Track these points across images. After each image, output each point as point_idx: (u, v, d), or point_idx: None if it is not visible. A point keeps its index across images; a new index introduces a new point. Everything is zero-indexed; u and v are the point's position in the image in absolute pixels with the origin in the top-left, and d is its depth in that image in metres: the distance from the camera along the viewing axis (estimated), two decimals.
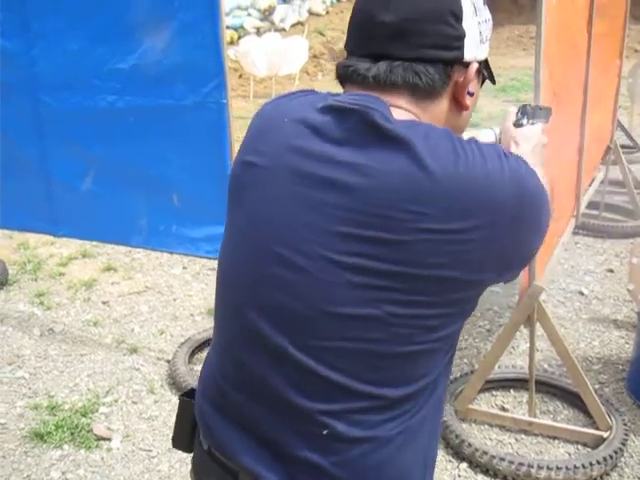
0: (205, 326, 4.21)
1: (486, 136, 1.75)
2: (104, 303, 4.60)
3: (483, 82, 1.34)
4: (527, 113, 1.64)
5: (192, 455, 1.43)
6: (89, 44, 3.38)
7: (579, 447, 3.15)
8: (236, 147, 3.13)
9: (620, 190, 6.20)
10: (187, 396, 1.45)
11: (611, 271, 4.99)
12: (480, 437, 3.21)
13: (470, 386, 3.24)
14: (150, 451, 3.18)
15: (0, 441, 3.24)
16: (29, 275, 5.01)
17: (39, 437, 3.23)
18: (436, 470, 1.40)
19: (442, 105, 1.24)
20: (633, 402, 3.46)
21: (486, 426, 3.28)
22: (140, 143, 3.39)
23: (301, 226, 1.16)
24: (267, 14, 14.81)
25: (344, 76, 1.25)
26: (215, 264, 4.38)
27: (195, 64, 3.14)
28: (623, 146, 7.27)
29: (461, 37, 1.20)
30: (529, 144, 1.59)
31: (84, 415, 3.40)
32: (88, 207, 3.72)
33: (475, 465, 3.01)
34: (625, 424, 3.18)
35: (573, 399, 3.38)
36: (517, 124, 1.63)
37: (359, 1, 1.26)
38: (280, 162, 1.21)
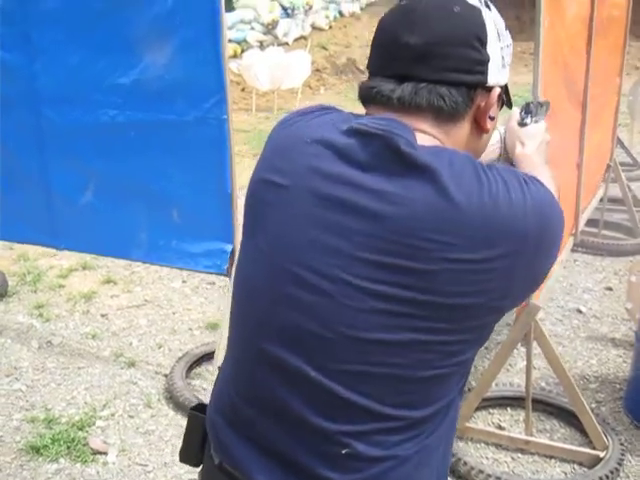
0: (203, 340, 4.22)
1: (493, 136, 1.76)
2: (103, 316, 4.60)
3: (502, 106, 1.35)
4: (531, 111, 1.65)
5: (200, 469, 1.44)
6: (90, 58, 3.39)
7: (575, 467, 3.15)
8: (236, 163, 3.15)
9: (620, 208, 6.21)
10: (197, 410, 1.46)
11: (610, 289, 5.00)
12: (476, 455, 3.21)
13: (467, 404, 3.24)
14: (146, 466, 3.18)
15: None
16: (29, 287, 5.02)
17: (35, 450, 3.23)
18: None
19: (464, 128, 1.25)
20: (630, 421, 3.46)
21: (482, 444, 3.29)
22: (140, 158, 3.39)
23: (323, 249, 1.17)
24: (270, 28, 14.87)
25: (367, 97, 1.26)
26: (214, 279, 4.37)
27: (196, 80, 3.15)
28: (623, 164, 7.29)
29: (485, 61, 1.22)
30: (534, 143, 1.61)
31: (80, 429, 3.40)
32: (88, 220, 3.72)
33: None
34: (622, 444, 3.18)
35: (570, 418, 3.39)
36: (521, 123, 1.65)
37: (383, 22, 1.27)
38: (302, 183, 1.21)
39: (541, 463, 3.18)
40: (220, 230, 3.24)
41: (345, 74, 14.85)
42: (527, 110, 1.66)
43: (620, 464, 3.06)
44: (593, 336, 4.33)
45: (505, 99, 1.34)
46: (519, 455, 3.22)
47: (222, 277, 3.39)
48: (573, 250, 5.28)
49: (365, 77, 1.30)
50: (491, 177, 1.14)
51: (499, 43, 1.24)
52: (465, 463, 3.02)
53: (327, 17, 16.95)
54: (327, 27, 16.82)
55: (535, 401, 3.39)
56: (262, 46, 14.47)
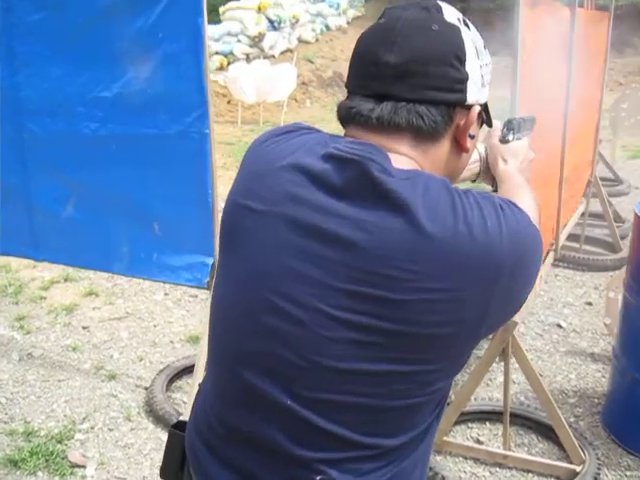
0: (185, 353, 4.22)
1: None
2: (84, 328, 4.60)
3: (482, 125, 1.34)
4: (513, 128, 1.61)
5: None
6: (73, 72, 3.40)
7: None
8: (218, 175, 3.17)
9: (601, 223, 6.27)
10: (176, 428, 1.45)
11: (590, 304, 5.04)
12: (455, 470, 3.22)
13: (445, 418, 3.25)
14: (125, 479, 3.17)
15: None
16: (10, 298, 5.00)
17: (13, 464, 3.22)
18: None
19: (443, 147, 1.24)
20: (607, 436, 3.49)
21: (461, 458, 3.30)
22: (122, 171, 3.40)
23: (298, 277, 1.15)
24: (257, 41, 14.94)
25: (346, 117, 1.24)
26: (196, 291, 4.35)
27: (178, 94, 3.16)
28: (605, 179, 7.37)
29: (464, 80, 1.20)
30: (516, 160, 1.59)
31: (59, 442, 3.39)
32: (70, 233, 3.72)
33: None
34: (598, 458, 3.21)
35: (548, 432, 3.40)
36: (503, 140, 1.61)
37: (362, 41, 1.25)
38: (277, 209, 1.19)
39: (519, 477, 3.20)
40: (201, 243, 3.26)
41: (331, 87, 14.92)
42: (509, 126, 1.62)
43: (596, 478, 3.08)
44: (572, 351, 4.36)
45: (485, 117, 1.33)
46: (497, 469, 3.24)
47: (204, 290, 3.39)
48: (554, 265, 5.33)
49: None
50: (467, 204, 1.12)
51: (478, 61, 1.23)
52: (443, 477, 3.04)
53: (314, 30, 17.06)
54: (313, 40, 16.92)
55: (514, 415, 3.42)
56: (248, 59, 14.53)
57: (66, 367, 4.11)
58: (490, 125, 1.40)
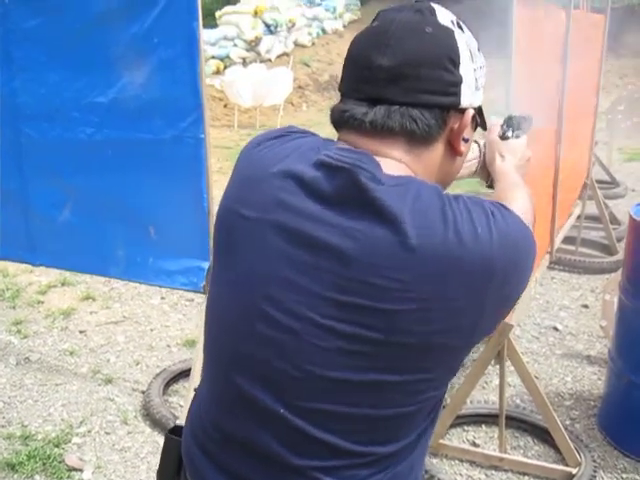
0: (181, 357, 4.23)
1: (471, 150, 1.65)
2: (81, 332, 4.60)
3: (476, 128, 1.33)
4: (512, 125, 1.61)
5: None
6: (69, 77, 3.42)
7: None
8: (214, 180, 3.18)
9: (597, 225, 6.28)
10: (173, 433, 1.45)
11: (586, 307, 5.05)
12: (450, 472, 3.23)
13: (441, 421, 3.26)
14: None
15: None
16: (7, 303, 5.01)
17: (10, 467, 3.22)
18: None
19: (437, 151, 1.23)
20: (603, 438, 3.50)
21: (457, 461, 3.30)
22: (118, 176, 3.41)
23: (289, 285, 1.15)
24: (253, 45, 14.95)
25: (340, 121, 1.23)
26: (193, 295, 4.36)
27: (174, 99, 3.17)
28: (602, 182, 7.39)
29: (458, 83, 1.19)
30: (514, 158, 1.58)
31: (57, 445, 3.40)
32: (66, 237, 3.73)
33: None
34: (594, 460, 3.22)
35: (544, 435, 3.41)
36: (503, 136, 1.60)
37: (355, 44, 1.24)
38: (269, 216, 1.18)
39: None
40: (197, 248, 3.26)
41: (327, 91, 14.95)
42: (509, 123, 1.61)
43: None
44: (568, 353, 4.37)
45: (479, 120, 1.32)
46: (493, 472, 3.24)
47: (200, 294, 3.40)
48: (550, 268, 5.35)
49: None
50: (457, 211, 1.10)
51: (472, 64, 1.22)
52: None
53: (310, 34, 17.08)
54: (310, 44, 16.94)
55: (509, 418, 3.43)
56: (245, 63, 14.54)
57: (63, 371, 4.11)
58: (484, 128, 1.39)
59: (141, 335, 4.58)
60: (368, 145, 1.19)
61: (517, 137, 1.62)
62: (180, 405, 3.71)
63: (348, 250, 1.10)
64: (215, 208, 3.09)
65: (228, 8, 15.74)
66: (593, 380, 4.05)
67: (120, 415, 3.67)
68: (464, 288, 1.09)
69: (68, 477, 3.20)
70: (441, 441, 3.32)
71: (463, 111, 1.22)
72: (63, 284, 5.32)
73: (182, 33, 3.05)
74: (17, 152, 3.70)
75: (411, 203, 1.10)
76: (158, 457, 1.49)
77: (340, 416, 1.15)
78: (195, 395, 1.41)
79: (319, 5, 17.99)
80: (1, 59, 3.55)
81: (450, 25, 1.21)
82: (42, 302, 5.04)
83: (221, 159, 8.48)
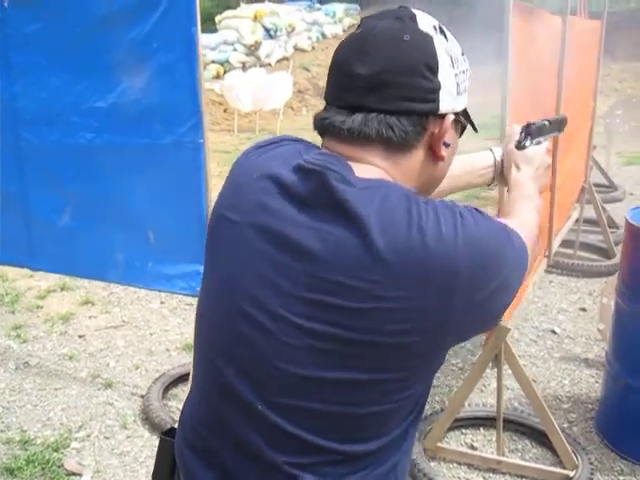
0: (180, 361, 4.24)
1: (484, 158, 1.68)
2: (81, 337, 4.61)
3: (462, 132, 1.33)
4: (531, 133, 1.58)
5: None
6: (69, 82, 3.44)
7: None
8: (213, 184, 3.19)
9: (595, 229, 6.30)
10: (167, 434, 1.47)
11: (584, 310, 5.05)
12: (449, 476, 3.24)
13: (439, 425, 3.28)
14: None
15: None
16: (7, 307, 5.02)
17: (9, 472, 3.23)
18: None
19: (417, 156, 1.23)
20: (601, 441, 3.50)
21: (455, 464, 3.31)
22: (117, 180, 3.43)
23: (266, 285, 1.18)
24: (253, 49, 14.98)
25: (321, 128, 1.25)
26: (192, 300, 4.35)
27: (173, 104, 3.19)
28: (600, 185, 7.41)
29: (436, 89, 1.20)
30: (531, 167, 1.58)
31: (56, 450, 3.41)
32: (65, 242, 3.75)
33: None
34: (591, 463, 3.23)
35: (542, 438, 3.42)
36: (519, 146, 1.58)
37: (338, 51, 1.25)
38: (250, 219, 1.21)
39: None
40: (196, 252, 3.26)
41: None
42: (527, 132, 1.59)
43: None
44: (566, 356, 4.38)
45: (466, 123, 1.33)
46: (491, 475, 3.25)
47: None
48: (548, 271, 5.36)
49: None
50: (423, 212, 1.12)
51: (453, 70, 1.23)
52: None
53: (310, 39, 17.11)
54: (310, 48, 16.97)
55: (507, 421, 3.44)
56: (245, 67, 14.56)
57: (62, 376, 4.12)
58: (476, 130, 1.39)
59: (140, 339, 4.59)
60: (347, 151, 1.22)
61: (538, 144, 1.60)
62: (179, 409, 3.71)
63: (317, 250, 1.13)
64: None
65: (228, 12, 15.78)
66: (591, 383, 4.06)
67: (119, 419, 3.68)
68: (427, 288, 1.10)
69: None
70: (439, 444, 3.32)
71: (444, 116, 1.23)
72: (62, 289, 5.33)
73: (181, 38, 3.08)
74: (17, 157, 3.72)
75: (378, 204, 1.12)
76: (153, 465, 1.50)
77: (315, 413, 1.17)
78: (187, 397, 1.43)
79: (319, 10, 18.05)
80: (1, 64, 3.56)
81: (431, 31, 1.22)
82: (41, 307, 5.05)
83: (220, 164, 8.50)
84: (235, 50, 14.85)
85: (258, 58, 15.07)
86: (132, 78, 3.30)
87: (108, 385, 4.01)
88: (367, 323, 1.11)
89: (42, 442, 3.48)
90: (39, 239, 3.87)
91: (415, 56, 1.19)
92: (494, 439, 3.43)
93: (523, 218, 1.40)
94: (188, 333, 4.64)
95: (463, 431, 3.58)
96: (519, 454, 3.41)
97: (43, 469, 3.26)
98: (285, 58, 15.79)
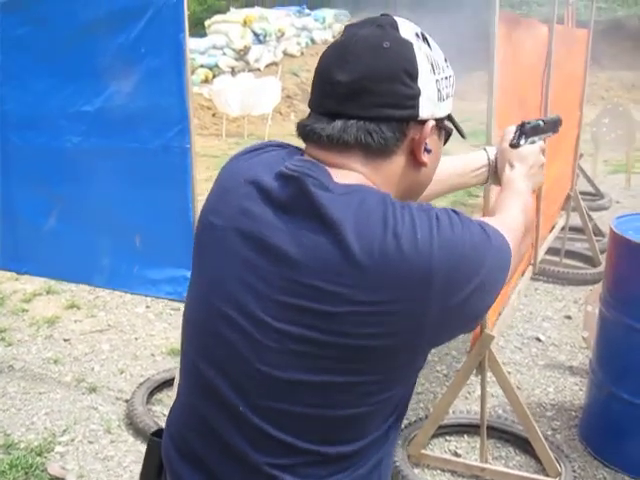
0: (165, 366, 4.23)
1: (478, 158, 1.70)
2: (66, 341, 4.60)
3: (447, 138, 1.34)
4: (525, 132, 1.60)
5: None
6: (56, 85, 3.44)
7: None
8: (201, 188, 3.18)
9: (581, 237, 6.32)
10: (156, 435, 1.48)
11: (569, 318, 5.08)
12: None
13: (423, 431, 3.29)
14: None
15: None
16: None
17: None
18: None
19: (397, 162, 1.24)
20: (584, 448, 3.52)
21: (438, 471, 3.32)
22: (104, 184, 3.43)
23: (247, 289, 1.19)
24: (242, 54, 14.97)
25: (303, 135, 1.27)
26: (178, 304, 4.34)
27: (160, 109, 3.19)
28: (586, 193, 7.45)
29: (415, 95, 1.20)
30: (525, 166, 1.58)
31: (39, 454, 3.39)
32: (51, 245, 3.74)
33: None
34: (574, 470, 3.24)
35: (526, 445, 3.43)
36: (514, 145, 1.59)
37: (322, 59, 1.26)
38: (232, 223, 1.23)
39: None
40: (182, 257, 3.26)
41: None
42: (522, 131, 1.60)
43: None
44: (551, 364, 4.40)
45: (450, 130, 1.33)
46: None
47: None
48: (534, 279, 5.38)
49: None
50: (399, 217, 1.13)
51: (434, 76, 1.23)
52: None
53: (299, 44, 17.12)
54: (299, 54, 16.98)
55: (491, 428, 3.45)
56: (234, 72, 14.55)
57: (47, 379, 4.11)
58: (463, 136, 1.40)
59: (126, 344, 4.58)
60: (328, 158, 1.23)
61: (532, 143, 1.61)
62: (164, 414, 3.71)
63: (294, 255, 1.15)
64: None
65: (217, 17, 15.77)
66: (575, 391, 4.08)
67: (103, 424, 3.66)
68: (402, 292, 1.11)
69: None
70: (423, 451, 3.33)
71: (424, 122, 1.24)
72: (48, 292, 5.31)
73: (169, 43, 3.08)
74: (3, 159, 3.71)
75: (355, 209, 1.14)
76: (141, 466, 1.51)
77: (295, 415, 1.19)
78: (174, 400, 1.44)
79: (308, 15, 18.05)
80: None
81: (412, 38, 1.23)
82: (27, 310, 5.03)
83: (209, 168, 8.49)
84: (224, 55, 14.84)
85: (247, 63, 15.07)
86: (120, 82, 3.30)
87: (92, 389, 3.99)
88: (342, 327, 1.12)
89: (25, 446, 3.46)
90: (25, 242, 3.86)
91: (394, 63, 1.19)
92: (478, 446, 3.44)
93: (509, 215, 1.40)
94: (173, 338, 4.64)
95: (447, 438, 3.59)
96: (503, 461, 3.42)
97: (26, 473, 3.25)
98: (274, 63, 15.79)
